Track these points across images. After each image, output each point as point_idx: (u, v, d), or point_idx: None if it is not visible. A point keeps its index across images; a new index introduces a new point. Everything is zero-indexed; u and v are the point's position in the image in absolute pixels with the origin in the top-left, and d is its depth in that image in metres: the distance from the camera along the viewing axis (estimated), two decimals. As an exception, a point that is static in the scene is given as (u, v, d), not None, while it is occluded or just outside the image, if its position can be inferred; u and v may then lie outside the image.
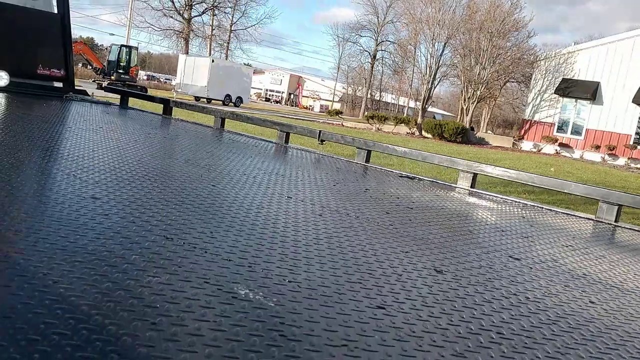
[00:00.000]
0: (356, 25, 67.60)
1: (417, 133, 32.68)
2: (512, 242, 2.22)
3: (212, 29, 58.94)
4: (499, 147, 31.04)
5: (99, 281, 1.16)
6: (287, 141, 4.60)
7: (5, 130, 3.18)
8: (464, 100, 37.17)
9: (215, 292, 1.21)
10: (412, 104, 60.89)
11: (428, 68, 37.64)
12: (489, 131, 49.11)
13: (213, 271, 1.34)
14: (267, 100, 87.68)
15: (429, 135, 31.57)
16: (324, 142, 4.57)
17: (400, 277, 1.52)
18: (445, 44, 37.41)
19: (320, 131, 4.51)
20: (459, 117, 40.30)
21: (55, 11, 5.99)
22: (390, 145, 4.10)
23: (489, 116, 51.10)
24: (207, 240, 1.58)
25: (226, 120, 5.16)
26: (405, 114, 55.00)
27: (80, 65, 42.35)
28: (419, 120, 34.65)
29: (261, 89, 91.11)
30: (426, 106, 38.45)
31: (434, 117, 48.23)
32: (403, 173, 3.91)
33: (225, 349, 0.95)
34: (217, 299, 1.18)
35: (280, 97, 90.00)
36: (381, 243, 1.88)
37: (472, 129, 35.94)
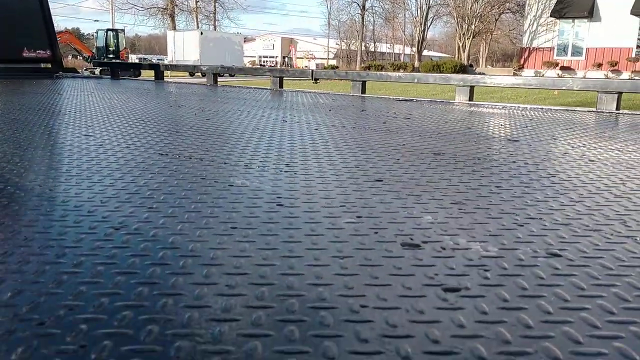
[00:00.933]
0: (341, -22, 66.07)
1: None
2: (510, 131, 2.21)
3: (196, 1, 57.97)
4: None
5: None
6: (281, 86, 4.56)
7: (5, 99, 3.17)
8: (459, 37, 36.55)
9: (212, 184, 1.22)
10: (407, 50, 60.03)
11: (419, 10, 36.94)
12: (488, 66, 48.39)
13: (208, 172, 1.34)
14: (262, 66, 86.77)
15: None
16: (318, 81, 4.53)
17: (398, 160, 1.52)
18: (433, -18, 36.57)
19: (312, 70, 4.47)
20: (456, 56, 39.69)
21: (34, -7, 5.91)
22: (383, 73, 4.06)
23: (487, 51, 50.28)
24: (207, 153, 1.58)
25: (219, 76, 5.12)
26: (402, 61, 54.28)
27: (70, 57, 41.98)
28: (416, 64, 34.21)
29: (254, 57, 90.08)
30: (421, 49, 37.87)
31: (431, 60, 47.53)
32: (400, 97, 3.87)
33: (224, 219, 0.96)
34: (214, 188, 1.18)
35: (274, 62, 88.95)
36: (377, 141, 1.87)
37: (471, 65, 35.42)
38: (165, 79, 5.76)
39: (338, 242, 0.85)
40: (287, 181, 1.26)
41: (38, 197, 1.10)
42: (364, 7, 67.20)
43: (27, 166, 1.39)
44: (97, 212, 0.97)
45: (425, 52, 46.58)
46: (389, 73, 4.00)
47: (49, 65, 6.09)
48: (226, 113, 2.70)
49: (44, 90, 4.07)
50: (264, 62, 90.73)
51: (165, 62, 49.31)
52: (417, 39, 37.14)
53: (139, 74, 10.88)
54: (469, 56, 36.68)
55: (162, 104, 3.31)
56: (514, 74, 31.56)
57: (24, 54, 5.86)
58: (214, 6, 58.71)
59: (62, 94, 3.76)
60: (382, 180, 1.27)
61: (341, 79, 4.27)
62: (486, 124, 2.53)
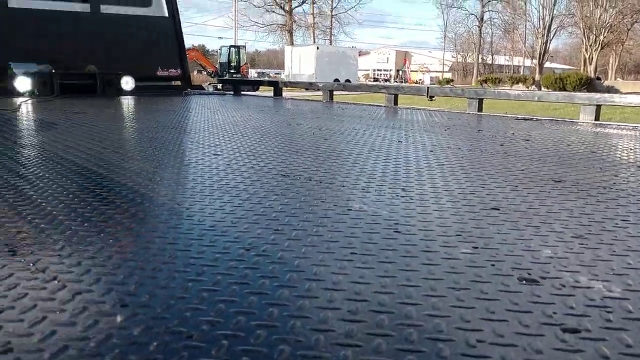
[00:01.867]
0: (459, -11, 64.70)
1: (536, 90, 30.89)
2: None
3: (314, 17, 59.60)
4: (632, 93, 28.52)
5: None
6: (395, 103, 4.59)
7: (140, 121, 3.49)
8: (586, 49, 34.49)
9: (331, 207, 1.28)
10: (527, 62, 57.60)
11: (541, 21, 35.36)
12: (618, 79, 45.13)
13: (328, 194, 1.41)
14: (376, 80, 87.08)
15: (550, 90, 29.72)
16: (434, 98, 4.51)
17: (516, 187, 1.50)
18: (557, -8, 34.87)
19: (428, 87, 4.46)
20: (582, 68, 37.46)
21: (166, 14, 6.41)
22: (502, 90, 3.96)
23: (617, 63, 46.97)
24: (326, 175, 1.66)
25: (334, 92, 5.26)
26: (522, 74, 52.13)
27: (195, 72, 44.79)
28: (537, 77, 32.72)
29: (368, 70, 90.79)
30: (543, 62, 36.18)
31: (554, 72, 45.21)
32: (519, 115, 3.76)
33: (344, 243, 1.02)
34: (333, 211, 1.25)
35: (388, 75, 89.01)
36: (494, 165, 1.85)
37: (599, 78, 33.26)
38: (283, 95, 6.01)
39: (454, 273, 0.87)
40: (403, 206, 1.29)
41: (177, 215, 1.22)
42: (482, 19, 65.40)
43: (166, 184, 1.54)
44: (229, 233, 1.07)
45: (547, 64, 44.39)
46: (508, 91, 3.90)
47: (179, 83, 6.56)
48: (342, 132, 2.78)
49: (176, 107, 4.41)
50: (377, 75, 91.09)
51: (283, 76, 51.03)
52: (538, 50, 35.52)
53: (258, 88, 11.36)
54: (596, 68, 34.47)
55: (282, 121, 3.47)
56: (648, 87, 29.21)
57: (158, 73, 6.36)
58: (331, 21, 60.00)
59: (191, 111, 4.06)
60: (499, 209, 1.27)
61: (457, 96, 4.22)
62: (613, 147, 2.41)
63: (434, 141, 2.45)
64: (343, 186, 1.50)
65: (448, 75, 65.66)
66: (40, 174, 1.60)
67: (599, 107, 3.35)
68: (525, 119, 3.58)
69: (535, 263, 0.92)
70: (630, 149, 2.34)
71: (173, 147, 2.28)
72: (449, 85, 41.64)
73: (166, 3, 6.42)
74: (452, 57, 78.49)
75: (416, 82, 75.27)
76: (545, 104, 8.55)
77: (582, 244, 1.03)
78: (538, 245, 1.02)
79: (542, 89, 30.65)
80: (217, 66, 40.05)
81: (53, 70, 5.16)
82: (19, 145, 2.23)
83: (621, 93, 28.69)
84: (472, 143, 2.45)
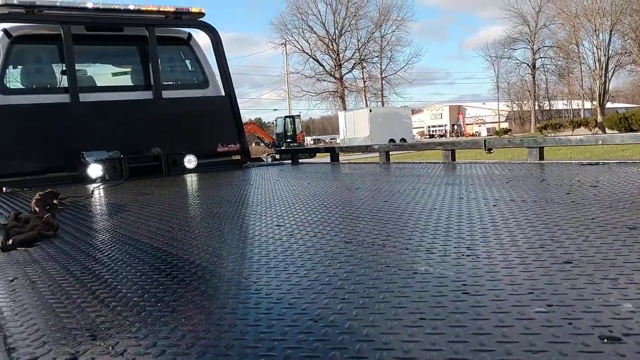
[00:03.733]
0: (507, 40, 64.65)
1: (600, 132, 29.98)
2: None
3: (364, 82, 60.87)
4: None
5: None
6: (453, 159, 4.56)
7: (204, 197, 3.61)
8: (648, 85, 33.42)
9: (397, 272, 1.27)
10: (587, 105, 56.27)
11: (597, 62, 34.74)
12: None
13: (392, 258, 1.40)
14: (431, 136, 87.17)
15: (615, 131, 28.76)
16: (492, 151, 4.46)
17: (587, 238, 1.45)
18: (611, 32, 34.38)
19: (484, 140, 4.42)
20: (646, 105, 36.21)
21: (223, 94, 6.71)
22: (562, 137, 3.88)
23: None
24: (389, 238, 1.66)
25: (390, 153, 5.28)
26: (582, 117, 50.85)
27: (253, 144, 46.25)
28: (599, 118, 31.84)
29: (423, 127, 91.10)
30: (604, 102, 35.26)
31: (617, 112, 43.88)
32: (584, 161, 3.65)
33: (412, 309, 1.00)
34: (398, 276, 1.24)
35: (443, 131, 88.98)
36: (562, 215, 1.80)
37: (665, 114, 31.94)
38: (340, 160, 6.09)
39: (529, 334, 0.84)
40: (470, 266, 1.27)
41: (245, 290, 1.24)
42: (534, 66, 64.98)
43: (232, 259, 1.57)
44: (297, 305, 1.07)
45: (609, 105, 43.22)
46: (569, 137, 3.81)
47: (239, 157, 6.77)
48: (402, 193, 2.78)
49: (237, 181, 4.54)
50: (432, 131, 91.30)
51: (338, 140, 51.78)
52: (597, 92, 34.71)
53: (314, 155, 11.57)
54: (661, 104, 33.24)
55: (341, 187, 3.50)
56: None
57: (219, 149, 6.60)
58: (381, 84, 61.15)
59: (251, 183, 4.17)
60: (571, 262, 1.22)
61: (517, 147, 4.16)
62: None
63: (496, 195, 2.41)
64: (406, 249, 1.49)
65: (505, 125, 64.90)
66: (114, 257, 1.67)
67: (668, 145, 3.21)
68: (590, 164, 3.48)
69: (617, 319, 0.87)
70: None
71: (236, 221, 2.34)
72: (507, 135, 41.04)
73: (222, 83, 6.74)
74: (507, 106, 77.65)
75: (472, 135, 74.68)
76: (611, 148, 8.26)
77: (666, 295, 0.97)
78: (617, 299, 0.97)
79: (607, 130, 29.73)
80: (274, 137, 41.28)
81: (121, 156, 5.45)
82: (94, 230, 2.35)
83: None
84: (536, 194, 2.39)
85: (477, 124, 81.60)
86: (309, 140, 70.24)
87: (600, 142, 3.65)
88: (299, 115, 42.91)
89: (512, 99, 75.44)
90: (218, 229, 2.14)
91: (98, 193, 4.03)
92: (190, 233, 2.09)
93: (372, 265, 1.34)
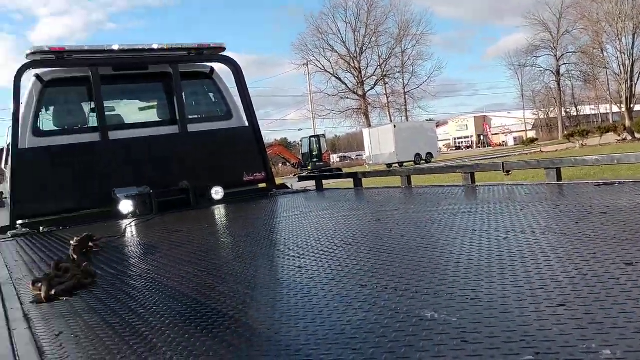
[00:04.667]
0: (530, 48, 64.30)
1: (629, 137, 29.48)
2: None
3: (387, 97, 61.07)
4: None
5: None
6: (473, 181, 4.64)
7: (230, 235, 3.76)
8: (676, 87, 32.84)
9: (404, 319, 1.38)
10: (615, 109, 55.37)
11: (622, 67, 34.30)
12: None
13: (402, 303, 1.52)
14: (458, 148, 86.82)
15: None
16: (510, 173, 4.53)
17: (584, 276, 1.54)
18: (634, 35, 33.97)
19: (503, 163, 4.50)
20: (677, 107, 35.53)
21: (247, 124, 6.89)
22: (577, 158, 3.94)
23: None
24: (400, 281, 1.77)
25: (412, 176, 5.39)
26: (611, 121, 50.03)
27: (280, 164, 46.69)
28: (627, 123, 31.31)
29: (449, 139, 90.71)
30: (631, 106, 34.70)
31: (646, 115, 43.07)
32: (600, 181, 3.70)
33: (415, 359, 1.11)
34: (406, 323, 1.35)
35: (469, 142, 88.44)
36: (567, 250, 1.88)
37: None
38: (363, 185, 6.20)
39: (515, 384, 0.94)
40: (472, 311, 1.37)
41: (266, 341, 1.37)
42: (558, 72, 64.33)
43: (255, 306, 1.70)
44: (313, 356, 1.20)
45: (637, 108, 42.41)
46: (585, 158, 3.89)
47: (264, 185, 6.92)
48: (418, 226, 2.88)
49: (262, 213, 4.69)
50: (458, 143, 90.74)
51: (364, 157, 51.78)
52: (624, 96, 34.20)
53: (341, 171, 11.67)
54: (691, 105, 32.61)
55: (361, 218, 3.61)
56: None
57: (244, 179, 6.75)
58: (404, 99, 61.27)
59: (277, 216, 4.32)
60: (564, 305, 1.32)
61: (534, 168, 4.22)
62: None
63: (508, 225, 2.50)
64: (416, 292, 1.60)
65: (532, 134, 64.14)
66: (148, 306, 1.81)
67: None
68: (607, 184, 3.53)
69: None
70: None
71: (261, 263, 2.48)
72: (528, 149, 40.57)
73: (245, 114, 6.92)
74: (534, 114, 76.85)
75: (499, 145, 73.98)
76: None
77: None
78: (599, 345, 1.06)
79: (635, 135, 29.21)
80: (299, 157, 41.56)
81: (151, 191, 5.64)
82: (128, 276, 2.52)
83: None
84: (546, 223, 2.47)
85: (503, 133, 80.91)
86: (335, 158, 70.49)
87: (615, 161, 3.71)
88: (324, 135, 43.21)
89: (538, 106, 74.60)
90: (244, 273, 2.28)
91: (130, 231, 4.21)
92: (216, 278, 2.23)
93: (384, 312, 1.45)
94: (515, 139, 72.38)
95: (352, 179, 6.30)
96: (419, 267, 1.92)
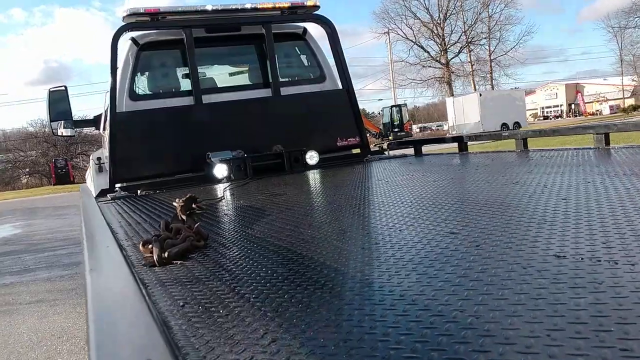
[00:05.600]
0: (633, 8, 59.38)
1: None
2: None
3: (472, 65, 58.78)
4: None
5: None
6: (607, 143, 4.07)
7: (332, 199, 3.42)
8: None
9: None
10: None
11: None
12: None
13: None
14: (546, 118, 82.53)
15: None
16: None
17: None
18: None
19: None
20: None
21: (340, 87, 6.56)
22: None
23: None
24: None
25: (528, 139, 4.86)
26: None
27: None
28: None
29: (536, 109, 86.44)
30: None
31: None
32: None
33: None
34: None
35: (559, 111, 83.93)
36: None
37: None
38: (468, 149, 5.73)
39: None
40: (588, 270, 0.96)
41: (378, 290, 1.21)
42: (663, 34, 59.14)
43: (360, 259, 1.37)
44: (419, 301, 1.07)
45: None
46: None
47: (359, 150, 6.59)
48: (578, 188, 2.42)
49: (361, 178, 4.32)
50: (547, 113, 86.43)
51: (446, 127, 50.41)
52: None
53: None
54: None
55: (478, 180, 3.17)
56: None
57: (338, 143, 6.44)
58: (490, 66, 58.81)
59: (376, 180, 3.95)
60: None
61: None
62: None
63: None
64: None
65: (631, 102, 59.79)
66: (270, 268, 1.56)
67: None
68: None
69: None
70: None
71: (363, 220, 2.25)
72: (629, 118, 37.71)
73: (339, 76, 6.58)
74: (634, 80, 70.94)
75: (593, 114, 69.73)
76: None
77: None
78: None
79: None
80: (380, 127, 40.95)
81: (245, 155, 5.46)
82: (240, 238, 2.24)
83: None
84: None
85: (598, 101, 75.91)
86: (415, 129, 69.10)
87: None
88: (405, 104, 42.29)
89: (639, 72, 69.13)
90: (348, 230, 2.08)
91: (231, 194, 4.01)
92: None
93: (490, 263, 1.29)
94: (611, 107, 67.85)
95: (457, 143, 5.82)
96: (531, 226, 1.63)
